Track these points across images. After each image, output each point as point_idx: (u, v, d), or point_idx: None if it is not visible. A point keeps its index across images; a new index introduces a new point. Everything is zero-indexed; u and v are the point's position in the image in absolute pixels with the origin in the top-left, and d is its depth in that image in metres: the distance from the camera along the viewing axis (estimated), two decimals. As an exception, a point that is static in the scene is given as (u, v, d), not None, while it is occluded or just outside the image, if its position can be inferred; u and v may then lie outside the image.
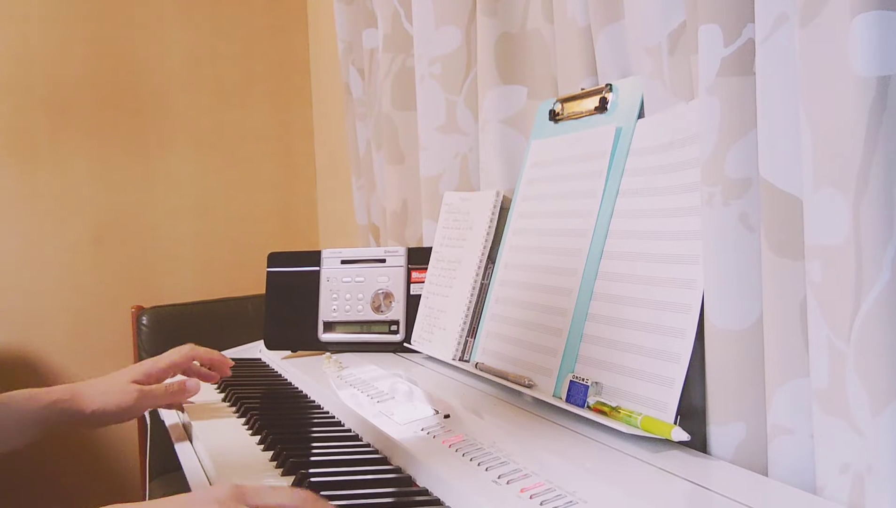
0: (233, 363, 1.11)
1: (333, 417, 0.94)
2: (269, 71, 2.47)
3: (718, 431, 0.70)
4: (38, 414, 0.91)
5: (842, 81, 0.56)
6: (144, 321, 2.02)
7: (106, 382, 0.97)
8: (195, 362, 1.07)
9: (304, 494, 0.62)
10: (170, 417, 1.03)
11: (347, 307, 1.24)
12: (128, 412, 0.95)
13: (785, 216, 0.64)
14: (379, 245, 1.69)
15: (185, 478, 0.82)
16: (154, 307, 2.06)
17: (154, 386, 0.98)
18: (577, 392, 0.80)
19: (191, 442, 0.93)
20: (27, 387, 0.94)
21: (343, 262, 1.26)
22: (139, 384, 0.98)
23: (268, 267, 1.29)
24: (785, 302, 0.64)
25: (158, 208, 2.35)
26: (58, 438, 0.77)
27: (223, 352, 1.37)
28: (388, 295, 1.22)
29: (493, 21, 1.15)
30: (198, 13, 2.37)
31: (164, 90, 2.34)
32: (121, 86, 2.29)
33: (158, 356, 1.03)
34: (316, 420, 0.94)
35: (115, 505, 0.62)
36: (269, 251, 1.30)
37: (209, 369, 1.09)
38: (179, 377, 1.05)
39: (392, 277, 1.23)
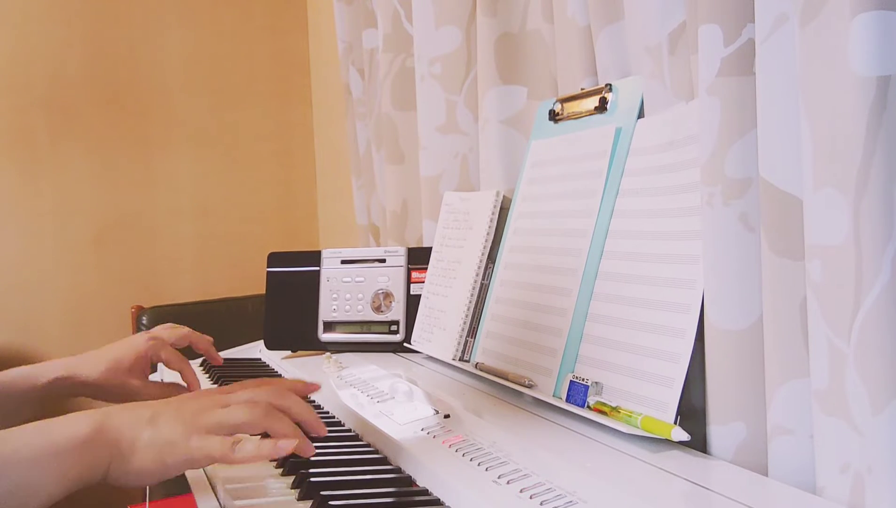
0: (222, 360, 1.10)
1: (333, 417, 0.94)
2: (269, 71, 2.47)
3: (718, 431, 0.70)
4: (36, 394, 0.90)
5: (842, 81, 0.56)
6: (144, 321, 2.02)
7: (105, 356, 0.94)
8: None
9: (263, 406, 0.67)
10: None
11: (347, 307, 1.24)
12: (127, 397, 0.93)
13: (785, 216, 0.63)
14: (379, 245, 1.69)
15: (184, 476, 0.82)
16: (154, 307, 2.06)
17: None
18: (577, 392, 0.80)
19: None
20: None
21: (343, 262, 1.26)
22: (134, 376, 0.95)
23: (268, 267, 1.29)
24: (785, 302, 0.64)
25: (158, 209, 2.35)
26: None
27: (223, 352, 1.38)
28: (388, 295, 1.22)
29: (493, 21, 1.15)
30: (198, 13, 2.37)
31: (164, 90, 2.34)
32: (121, 86, 2.29)
33: (155, 335, 0.99)
34: (316, 420, 0.94)
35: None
36: (269, 251, 1.30)
37: (203, 353, 1.07)
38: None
39: (392, 277, 1.23)
